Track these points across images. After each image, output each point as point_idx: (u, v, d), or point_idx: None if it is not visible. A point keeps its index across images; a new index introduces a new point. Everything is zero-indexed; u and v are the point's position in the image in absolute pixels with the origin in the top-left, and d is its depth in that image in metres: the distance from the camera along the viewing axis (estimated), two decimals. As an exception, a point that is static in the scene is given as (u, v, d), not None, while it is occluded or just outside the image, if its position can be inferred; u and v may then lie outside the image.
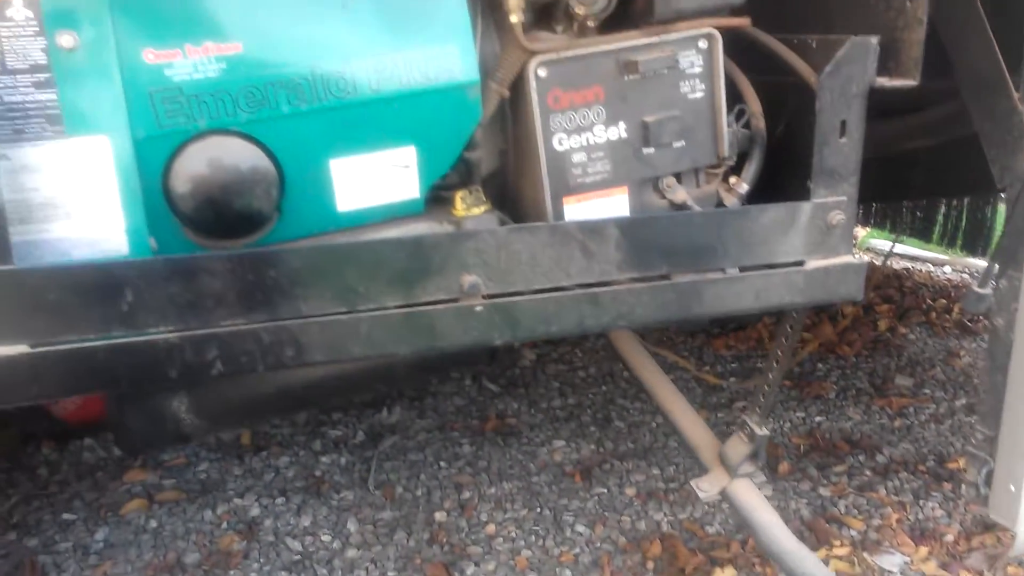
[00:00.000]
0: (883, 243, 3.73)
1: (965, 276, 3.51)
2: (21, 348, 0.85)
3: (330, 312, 0.97)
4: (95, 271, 0.88)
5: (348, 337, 0.97)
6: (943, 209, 3.09)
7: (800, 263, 1.19)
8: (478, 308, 1.03)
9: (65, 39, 0.90)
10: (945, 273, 3.58)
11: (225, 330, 0.91)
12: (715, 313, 1.16)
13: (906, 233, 3.22)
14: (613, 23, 1.20)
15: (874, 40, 1.19)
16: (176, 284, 0.91)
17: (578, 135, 1.18)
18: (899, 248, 3.61)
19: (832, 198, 1.21)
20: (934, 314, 3.08)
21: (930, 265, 3.66)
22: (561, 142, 1.17)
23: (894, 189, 2.71)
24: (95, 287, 0.88)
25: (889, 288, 3.33)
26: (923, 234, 3.16)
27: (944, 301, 3.20)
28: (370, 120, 1.06)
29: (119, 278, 0.89)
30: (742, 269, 1.19)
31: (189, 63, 0.96)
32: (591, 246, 1.12)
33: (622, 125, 1.20)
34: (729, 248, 1.17)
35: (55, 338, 0.86)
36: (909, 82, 1.21)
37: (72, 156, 0.92)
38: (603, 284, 1.14)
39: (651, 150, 1.22)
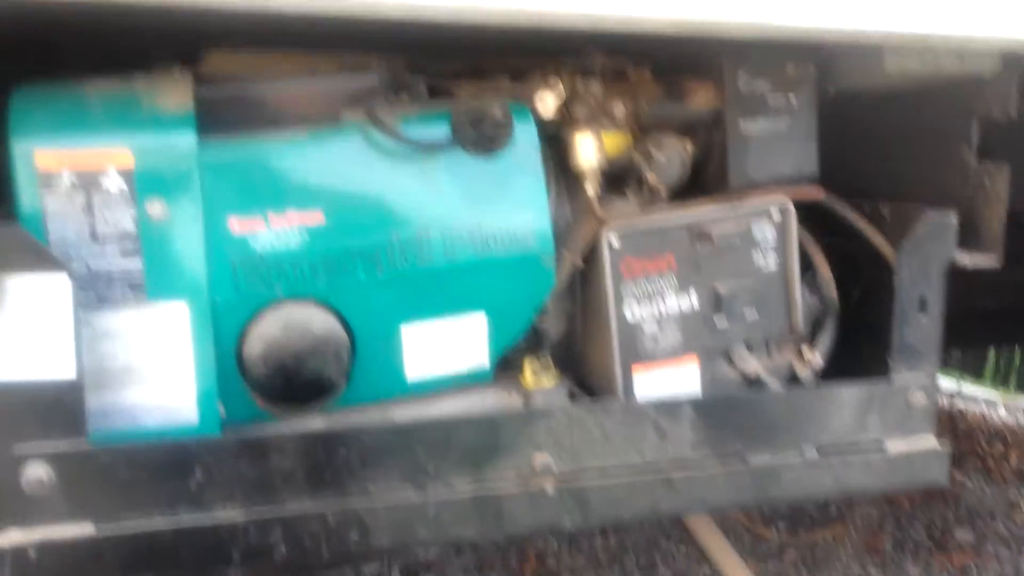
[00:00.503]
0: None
1: (1021, 419, 3.40)
2: (86, 528, 0.82)
3: (398, 493, 0.94)
4: (169, 449, 0.86)
5: (416, 521, 0.94)
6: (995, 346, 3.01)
7: (881, 446, 1.15)
8: (549, 492, 1.00)
9: (155, 208, 0.91)
10: (1000, 415, 3.48)
11: (291, 511, 0.89)
12: (793, 497, 1.12)
13: (957, 370, 3.14)
14: (685, 190, 1.20)
15: (953, 217, 1.18)
16: (246, 462, 0.89)
17: (649, 304, 1.17)
18: (947, 383, 3.52)
19: (913, 376, 1.17)
20: (991, 460, 2.97)
21: (983, 405, 3.56)
22: (632, 311, 1.16)
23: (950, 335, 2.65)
24: (167, 465, 0.86)
25: (941, 430, 3.23)
26: (975, 371, 3.07)
27: (1001, 446, 3.09)
28: (443, 288, 1.05)
29: (191, 455, 0.87)
30: (819, 450, 1.15)
31: (272, 233, 0.96)
32: (665, 425, 1.09)
33: (694, 294, 1.19)
34: (805, 427, 1.13)
35: (121, 516, 0.84)
36: (990, 260, 1.19)
37: (151, 322, 0.92)
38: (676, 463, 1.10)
39: (723, 320, 1.20)
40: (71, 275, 0.83)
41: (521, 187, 1.06)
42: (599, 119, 1.11)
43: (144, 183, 0.90)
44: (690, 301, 1.18)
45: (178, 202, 0.92)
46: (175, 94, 0.93)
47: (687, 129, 1.20)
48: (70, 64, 0.98)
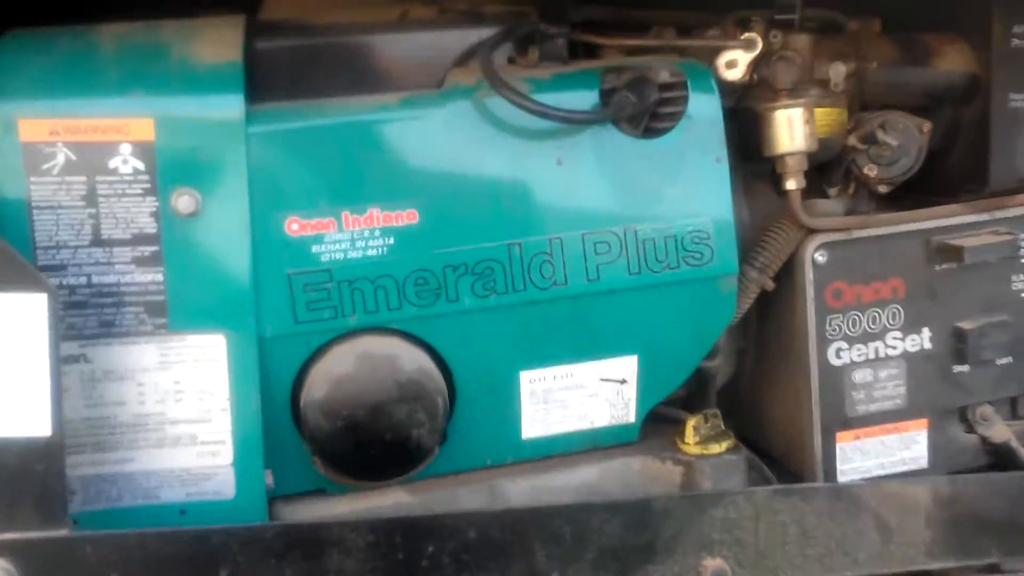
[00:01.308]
0: None
1: None
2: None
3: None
4: (187, 541, 0.59)
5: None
6: None
7: None
8: (729, 624, 0.68)
9: (184, 201, 0.64)
10: None
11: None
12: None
13: None
14: (909, 191, 0.86)
15: None
16: (293, 564, 0.61)
17: (864, 345, 0.83)
18: None
19: None
20: None
21: None
22: (840, 353, 0.82)
23: None
24: (182, 565, 0.59)
25: None
26: None
27: None
28: (581, 320, 0.74)
29: (217, 552, 0.60)
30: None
31: (345, 237, 0.68)
32: (890, 519, 0.74)
33: (926, 333, 0.84)
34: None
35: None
36: None
37: (174, 359, 0.65)
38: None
39: (965, 369, 0.85)
40: (52, 295, 0.57)
41: (695, 180, 0.74)
42: (806, 88, 0.77)
43: (170, 165, 0.63)
44: (920, 342, 0.84)
45: (216, 192, 0.64)
46: (218, 43, 0.66)
47: (926, 104, 0.85)
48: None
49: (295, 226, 0.67)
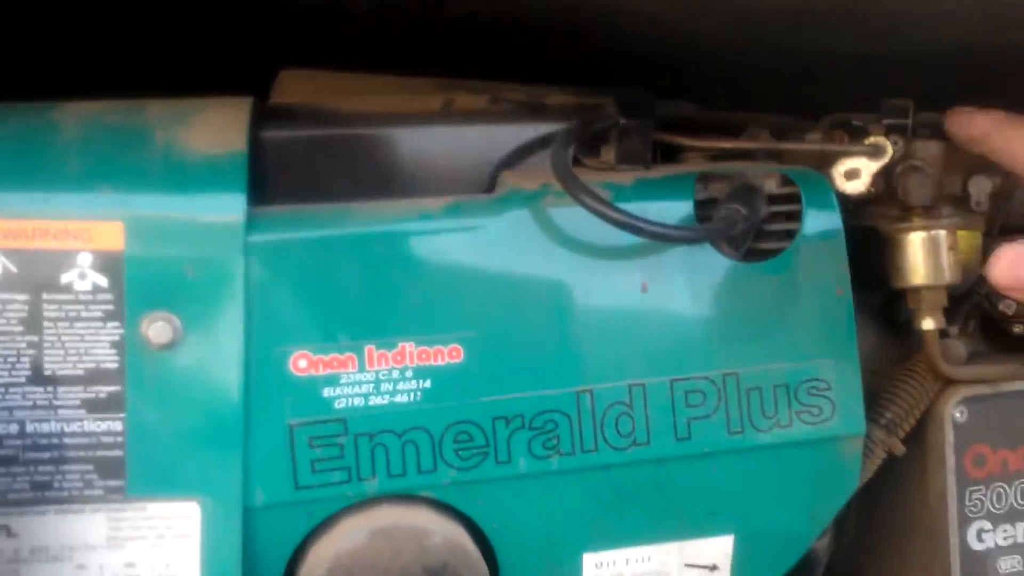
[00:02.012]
0: None
1: None
2: None
3: None
4: None
5: None
6: None
7: None
8: None
9: (158, 328, 0.47)
10: None
11: None
12: None
13: None
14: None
15: None
16: None
17: (1011, 525, 0.64)
18: None
19: None
20: None
21: None
22: (982, 536, 0.63)
23: None
24: None
25: None
26: None
27: None
28: (666, 489, 0.56)
29: None
30: None
31: (367, 379, 0.51)
32: None
33: (1087, 510, 0.65)
34: None
35: None
36: None
37: (129, 534, 0.47)
38: None
39: None
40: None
41: (811, 316, 0.57)
42: (941, 206, 0.61)
43: (142, 282, 0.47)
44: (1080, 524, 0.65)
45: (201, 318, 0.48)
46: (216, 130, 0.51)
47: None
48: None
49: (303, 363, 0.50)
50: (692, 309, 0.55)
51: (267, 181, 0.55)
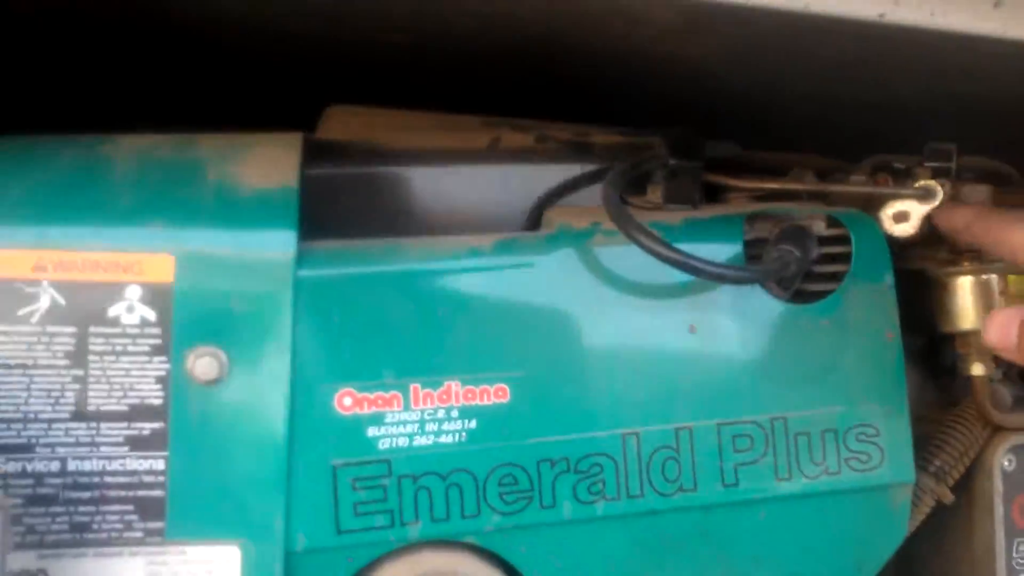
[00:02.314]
0: None
1: None
2: None
3: None
4: None
5: None
6: None
7: None
8: None
9: (205, 364, 0.46)
10: None
11: None
12: None
13: None
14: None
15: None
16: None
17: (1061, 577, 0.62)
18: None
19: None
20: None
21: None
22: (1032, 588, 0.61)
23: None
24: None
25: None
26: None
27: None
28: (712, 537, 0.54)
29: None
30: None
31: (413, 418, 0.49)
32: None
33: None
34: None
35: None
36: None
37: (170, 580, 0.45)
38: None
39: None
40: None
41: (860, 360, 0.56)
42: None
43: (191, 316, 0.46)
44: None
45: (249, 354, 0.47)
46: (268, 165, 0.50)
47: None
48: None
49: (348, 401, 0.48)
50: (740, 351, 0.54)
51: (314, 217, 0.54)
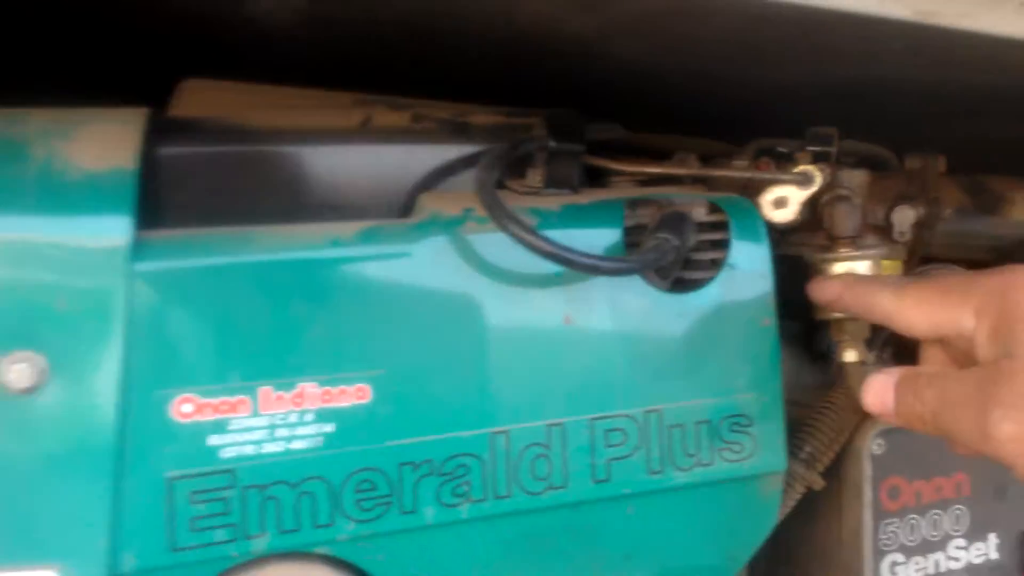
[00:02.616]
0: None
1: None
2: None
3: None
4: None
5: None
6: None
7: None
8: None
9: (19, 372, 0.41)
10: None
11: None
12: None
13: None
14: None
15: None
16: None
17: (923, 557, 0.63)
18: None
19: None
20: None
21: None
22: (895, 569, 0.62)
23: None
24: None
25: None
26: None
27: None
28: (583, 534, 0.52)
29: None
30: None
31: (261, 424, 0.45)
32: None
33: (992, 540, 0.65)
34: None
35: None
36: None
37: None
38: None
39: (1038, 584, 0.66)
40: None
41: (736, 349, 0.54)
42: (865, 236, 0.59)
43: (3, 315, 0.40)
44: (986, 551, 0.65)
45: (71, 359, 0.41)
46: (103, 143, 0.44)
47: (987, 259, 0.68)
48: None
49: (187, 408, 0.44)
50: (616, 342, 0.51)
51: (163, 202, 0.49)
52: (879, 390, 0.47)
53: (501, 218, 0.44)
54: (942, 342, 0.48)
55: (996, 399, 0.40)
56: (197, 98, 0.53)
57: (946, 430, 0.44)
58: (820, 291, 0.54)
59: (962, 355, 0.46)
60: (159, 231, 0.44)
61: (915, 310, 0.47)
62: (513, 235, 0.44)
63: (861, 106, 0.64)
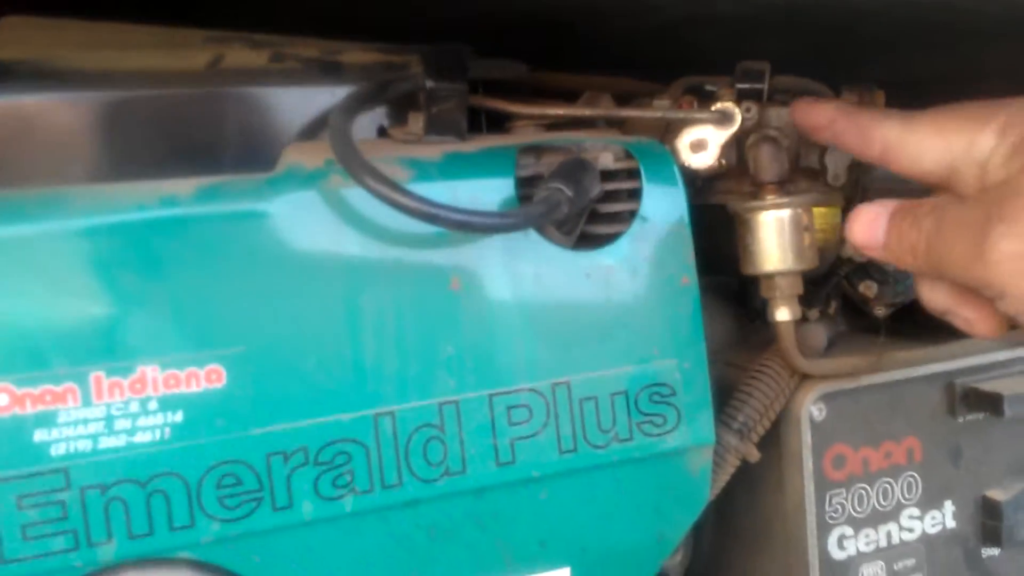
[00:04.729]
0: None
1: None
2: None
3: None
4: None
5: None
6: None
7: None
8: None
9: None
10: None
11: None
12: None
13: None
14: (907, 317, 0.65)
15: None
16: None
17: (873, 530, 0.60)
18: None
19: None
20: None
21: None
22: (843, 543, 0.59)
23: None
24: None
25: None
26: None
27: None
28: (488, 523, 0.48)
29: None
30: None
31: (96, 415, 0.40)
32: None
33: (948, 507, 0.62)
34: None
35: None
36: None
37: None
38: None
39: (996, 552, 0.63)
40: None
41: (652, 311, 0.50)
42: (796, 181, 0.55)
43: None
44: (943, 520, 0.62)
45: None
46: None
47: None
48: None
49: (2, 399, 0.39)
50: (513, 308, 0.47)
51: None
52: (869, 220, 0.45)
53: (354, 169, 0.39)
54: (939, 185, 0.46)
55: (1001, 215, 0.39)
56: (19, 37, 0.47)
57: (937, 259, 0.42)
58: (807, 114, 0.50)
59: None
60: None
61: (927, 138, 0.45)
62: (369, 189, 0.39)
63: (799, 37, 0.60)
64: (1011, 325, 0.52)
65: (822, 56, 0.65)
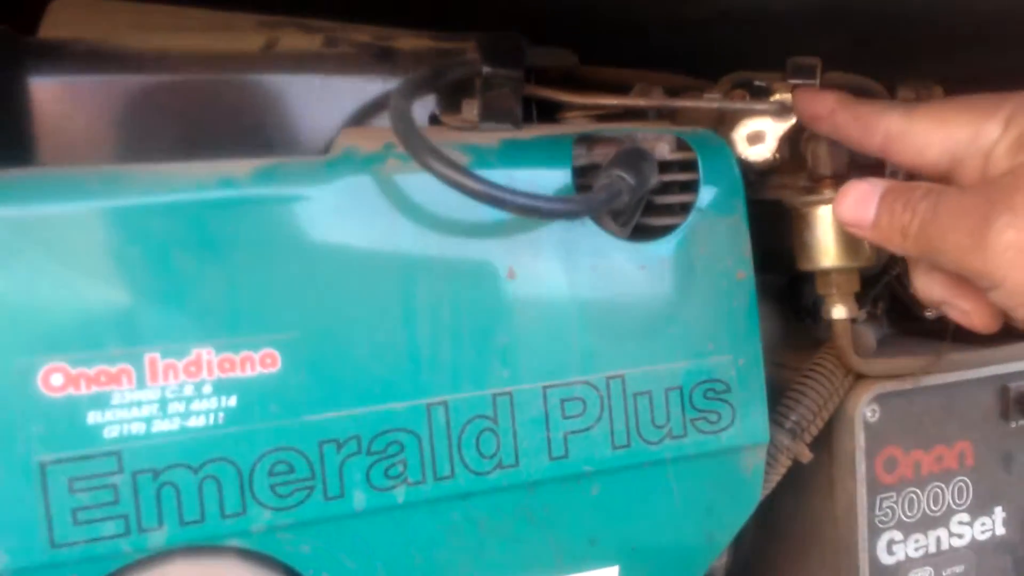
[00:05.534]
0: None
1: None
2: None
3: None
4: None
5: None
6: None
7: None
8: None
9: None
10: None
11: None
12: None
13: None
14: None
15: None
16: None
17: (923, 535, 0.59)
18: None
19: None
20: None
21: None
22: (892, 548, 0.58)
23: None
24: None
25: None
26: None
27: None
28: (539, 518, 0.47)
29: None
30: None
31: (150, 398, 0.40)
32: None
33: (999, 514, 0.61)
34: None
35: None
36: None
37: None
38: None
39: (1050, 561, 0.62)
40: None
41: (708, 305, 0.49)
42: (853, 176, 0.54)
43: None
44: (992, 527, 0.61)
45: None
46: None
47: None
48: None
49: (57, 379, 0.38)
50: (568, 299, 0.46)
51: (30, 138, 0.43)
52: (860, 197, 0.45)
53: (418, 150, 0.39)
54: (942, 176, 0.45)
55: (1005, 204, 0.38)
56: (70, 17, 0.47)
57: (929, 243, 0.41)
58: (807, 103, 0.50)
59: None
60: (15, 170, 0.39)
61: (931, 129, 0.44)
62: (433, 171, 0.39)
63: (850, 36, 0.59)
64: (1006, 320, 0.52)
65: (872, 52, 0.64)
